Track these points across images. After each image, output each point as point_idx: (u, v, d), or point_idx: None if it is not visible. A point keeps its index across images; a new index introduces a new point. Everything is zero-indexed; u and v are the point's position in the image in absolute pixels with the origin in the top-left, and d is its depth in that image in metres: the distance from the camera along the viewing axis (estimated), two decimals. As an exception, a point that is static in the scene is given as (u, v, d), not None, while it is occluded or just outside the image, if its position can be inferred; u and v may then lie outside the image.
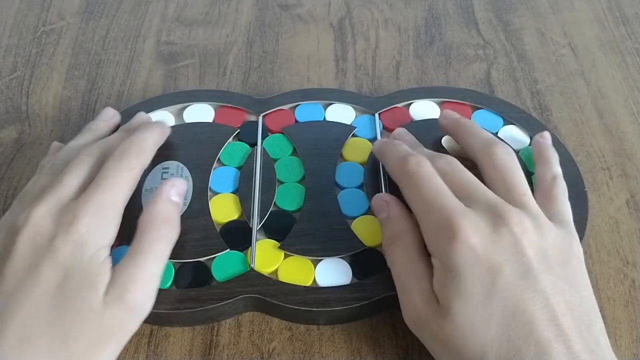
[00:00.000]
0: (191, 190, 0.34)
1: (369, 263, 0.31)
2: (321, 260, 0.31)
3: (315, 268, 0.31)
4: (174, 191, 0.30)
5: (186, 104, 0.38)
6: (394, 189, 0.34)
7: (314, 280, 0.31)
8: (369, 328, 0.31)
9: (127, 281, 0.26)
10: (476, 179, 0.29)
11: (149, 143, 0.31)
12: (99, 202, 0.27)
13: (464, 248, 0.25)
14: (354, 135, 0.37)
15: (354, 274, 0.31)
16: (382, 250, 0.30)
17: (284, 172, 0.35)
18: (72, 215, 0.26)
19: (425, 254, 0.28)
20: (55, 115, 0.41)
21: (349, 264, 0.31)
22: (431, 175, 0.29)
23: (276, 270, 0.31)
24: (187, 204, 0.33)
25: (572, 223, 0.29)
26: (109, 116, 0.36)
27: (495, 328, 0.24)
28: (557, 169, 0.32)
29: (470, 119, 0.37)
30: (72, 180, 0.29)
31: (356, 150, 0.36)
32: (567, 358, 0.23)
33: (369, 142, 0.36)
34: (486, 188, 0.28)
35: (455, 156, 0.35)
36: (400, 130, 0.36)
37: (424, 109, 0.38)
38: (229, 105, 0.38)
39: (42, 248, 0.26)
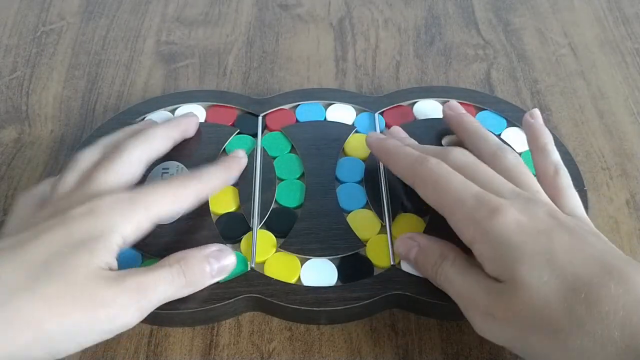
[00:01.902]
0: None
1: (355, 267, 0.31)
2: (309, 259, 0.31)
3: (302, 266, 0.31)
4: (217, 268, 0.29)
5: (177, 106, 0.38)
6: (392, 185, 0.34)
7: (299, 278, 0.31)
8: (369, 328, 0.31)
9: (141, 276, 0.26)
10: (492, 170, 0.29)
11: (218, 183, 0.32)
12: (140, 202, 0.28)
13: (509, 220, 0.26)
14: (358, 132, 0.37)
15: (339, 277, 0.31)
16: (430, 278, 0.29)
17: (283, 169, 0.35)
18: (94, 175, 0.29)
19: (470, 260, 0.28)
20: (55, 115, 0.41)
21: (337, 266, 0.31)
22: (451, 171, 0.29)
23: (263, 263, 0.31)
24: None
25: (586, 215, 0.29)
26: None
27: (571, 277, 0.24)
28: (556, 156, 0.31)
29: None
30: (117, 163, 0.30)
31: (358, 145, 0.36)
32: None
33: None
34: (503, 178, 0.29)
35: None
36: (396, 129, 0.36)
37: (428, 108, 0.38)
38: (220, 104, 0.38)
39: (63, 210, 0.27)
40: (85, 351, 0.30)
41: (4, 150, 0.39)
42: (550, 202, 0.28)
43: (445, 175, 0.28)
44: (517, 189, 0.28)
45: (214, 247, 0.29)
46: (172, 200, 0.29)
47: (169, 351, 0.30)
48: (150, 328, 0.31)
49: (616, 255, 0.25)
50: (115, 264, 0.27)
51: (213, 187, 0.32)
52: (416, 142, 0.34)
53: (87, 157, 0.31)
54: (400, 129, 0.36)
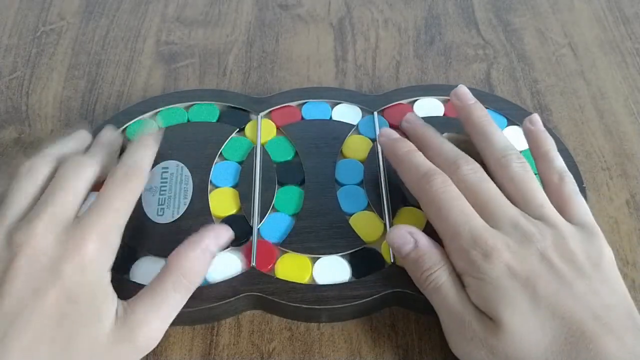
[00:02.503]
0: (191, 189, 0.34)
1: (367, 261, 0.31)
2: (319, 258, 0.31)
3: (313, 266, 0.31)
4: (215, 243, 0.29)
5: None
6: (393, 187, 0.34)
7: (312, 277, 0.31)
8: (369, 328, 0.31)
9: (141, 321, 0.26)
10: (498, 192, 0.29)
11: (148, 160, 0.31)
12: (105, 227, 0.27)
13: (500, 264, 0.26)
14: (356, 132, 0.37)
15: (352, 273, 0.31)
16: (417, 281, 0.29)
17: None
18: (80, 239, 0.26)
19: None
20: (55, 115, 0.41)
21: (348, 262, 0.31)
22: (456, 197, 0.28)
23: (274, 267, 0.31)
24: (187, 203, 0.33)
25: (594, 221, 0.29)
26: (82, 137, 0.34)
27: (550, 332, 0.25)
28: (559, 163, 0.31)
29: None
30: (68, 196, 0.28)
31: (356, 147, 0.36)
32: (624, 352, 0.24)
33: (368, 140, 0.36)
34: (507, 203, 0.29)
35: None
36: (412, 116, 0.36)
37: (429, 106, 0.38)
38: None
39: (46, 270, 0.25)
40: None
41: (4, 150, 0.39)
42: (553, 214, 0.28)
43: (448, 202, 0.28)
44: (516, 216, 0.28)
45: (210, 235, 0.29)
46: (129, 203, 0.29)
47: (169, 351, 0.30)
48: (150, 328, 0.31)
49: (595, 312, 0.25)
50: (112, 290, 0.27)
51: (149, 166, 0.31)
52: (432, 132, 0.33)
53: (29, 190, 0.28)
54: (415, 115, 0.36)
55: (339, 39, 0.46)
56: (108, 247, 0.27)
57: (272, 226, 0.33)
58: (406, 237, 0.29)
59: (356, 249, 0.32)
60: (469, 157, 0.30)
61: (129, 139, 0.36)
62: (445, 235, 0.28)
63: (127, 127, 0.37)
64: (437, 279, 0.28)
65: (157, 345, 0.30)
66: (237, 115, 0.38)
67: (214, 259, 0.29)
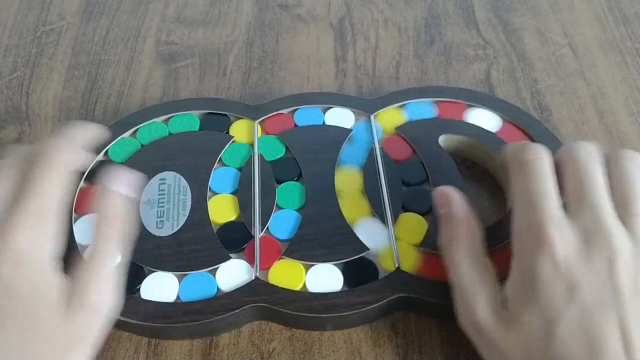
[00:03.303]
0: (190, 199, 0.33)
1: (361, 271, 0.31)
2: (312, 265, 0.31)
3: (306, 274, 0.31)
4: (117, 184, 0.28)
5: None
6: (393, 189, 0.34)
7: (304, 286, 0.30)
8: (369, 328, 0.31)
9: (85, 286, 0.25)
10: (601, 180, 0.26)
11: (80, 135, 0.30)
12: (36, 214, 0.25)
13: (547, 260, 0.24)
14: (352, 139, 0.37)
15: (345, 282, 0.31)
16: (443, 243, 0.28)
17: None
18: (9, 234, 0.24)
19: (486, 256, 0.28)
20: (55, 115, 0.41)
21: (341, 271, 0.31)
22: (543, 172, 0.27)
23: (267, 271, 0.31)
24: (187, 214, 0.33)
25: None
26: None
27: (563, 344, 0.23)
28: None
29: (462, 118, 0.37)
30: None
31: (349, 179, 0.35)
32: None
33: (357, 170, 0.35)
34: (604, 196, 0.26)
35: (453, 155, 0.35)
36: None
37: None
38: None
39: None
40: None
41: (4, 150, 0.39)
42: (633, 244, 0.25)
43: (536, 170, 0.27)
44: (604, 212, 0.25)
45: (116, 183, 0.28)
46: (55, 182, 0.27)
47: (169, 351, 0.30)
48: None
49: (627, 342, 0.23)
50: (60, 275, 0.26)
51: (78, 147, 0.29)
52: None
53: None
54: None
55: (339, 39, 0.46)
56: (43, 232, 0.25)
57: (280, 224, 0.33)
58: (444, 199, 0.29)
59: (351, 258, 0.31)
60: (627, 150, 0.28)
61: (113, 161, 0.35)
62: (516, 208, 0.27)
63: (109, 148, 0.36)
64: (459, 253, 0.27)
65: (157, 345, 0.30)
66: (218, 121, 0.37)
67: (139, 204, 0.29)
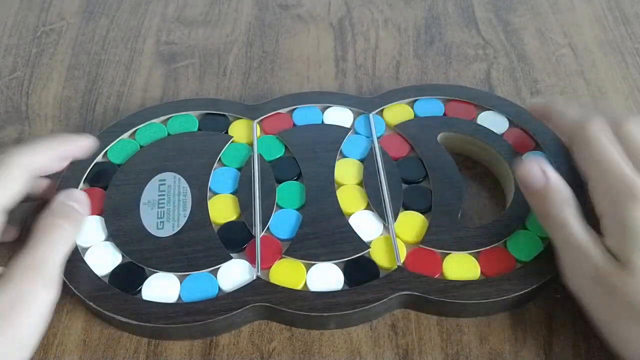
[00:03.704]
0: (190, 200, 0.33)
1: (362, 270, 0.31)
2: (313, 264, 0.31)
3: (307, 273, 0.31)
4: (65, 196, 0.30)
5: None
6: (393, 185, 0.34)
7: (305, 285, 0.30)
8: (369, 328, 0.31)
9: (42, 259, 0.27)
10: None
11: (56, 151, 0.32)
12: None
13: None
14: (353, 133, 0.37)
15: (346, 281, 0.31)
16: (547, 214, 0.29)
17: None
18: None
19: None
20: (55, 115, 0.41)
21: (342, 270, 0.31)
22: (611, 141, 0.29)
23: (268, 271, 0.31)
24: (187, 214, 0.33)
25: None
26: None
27: None
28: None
29: (475, 119, 0.37)
30: None
31: (349, 170, 0.35)
32: None
33: (358, 162, 0.35)
34: None
35: (452, 152, 0.35)
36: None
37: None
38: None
39: None
40: (85, 351, 0.30)
41: (4, 150, 0.39)
42: None
43: (603, 145, 0.29)
44: None
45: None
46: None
47: (169, 351, 0.30)
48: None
49: None
50: None
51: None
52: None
53: None
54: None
55: (339, 39, 0.46)
56: None
57: (280, 223, 0.33)
58: (538, 173, 0.30)
59: (352, 257, 0.31)
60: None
61: (112, 162, 0.35)
62: (592, 180, 0.29)
63: (108, 150, 0.36)
64: (567, 216, 0.28)
65: (157, 345, 0.30)
66: (216, 121, 0.37)
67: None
